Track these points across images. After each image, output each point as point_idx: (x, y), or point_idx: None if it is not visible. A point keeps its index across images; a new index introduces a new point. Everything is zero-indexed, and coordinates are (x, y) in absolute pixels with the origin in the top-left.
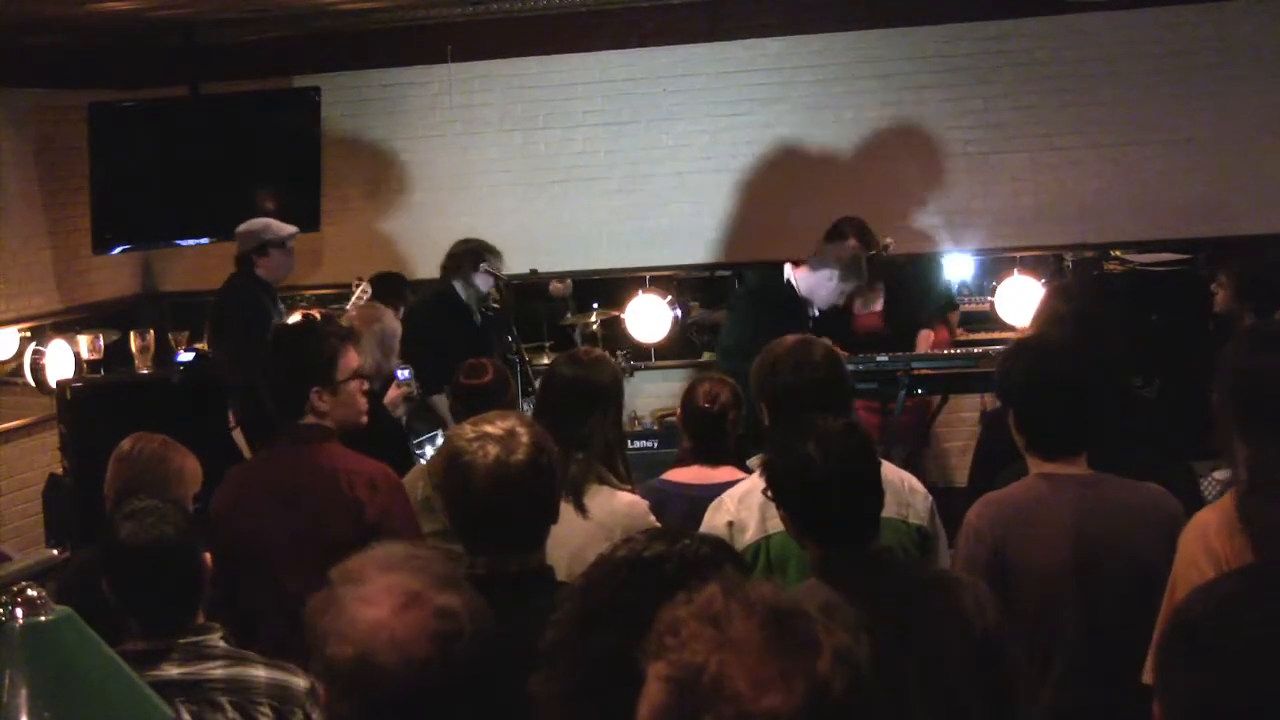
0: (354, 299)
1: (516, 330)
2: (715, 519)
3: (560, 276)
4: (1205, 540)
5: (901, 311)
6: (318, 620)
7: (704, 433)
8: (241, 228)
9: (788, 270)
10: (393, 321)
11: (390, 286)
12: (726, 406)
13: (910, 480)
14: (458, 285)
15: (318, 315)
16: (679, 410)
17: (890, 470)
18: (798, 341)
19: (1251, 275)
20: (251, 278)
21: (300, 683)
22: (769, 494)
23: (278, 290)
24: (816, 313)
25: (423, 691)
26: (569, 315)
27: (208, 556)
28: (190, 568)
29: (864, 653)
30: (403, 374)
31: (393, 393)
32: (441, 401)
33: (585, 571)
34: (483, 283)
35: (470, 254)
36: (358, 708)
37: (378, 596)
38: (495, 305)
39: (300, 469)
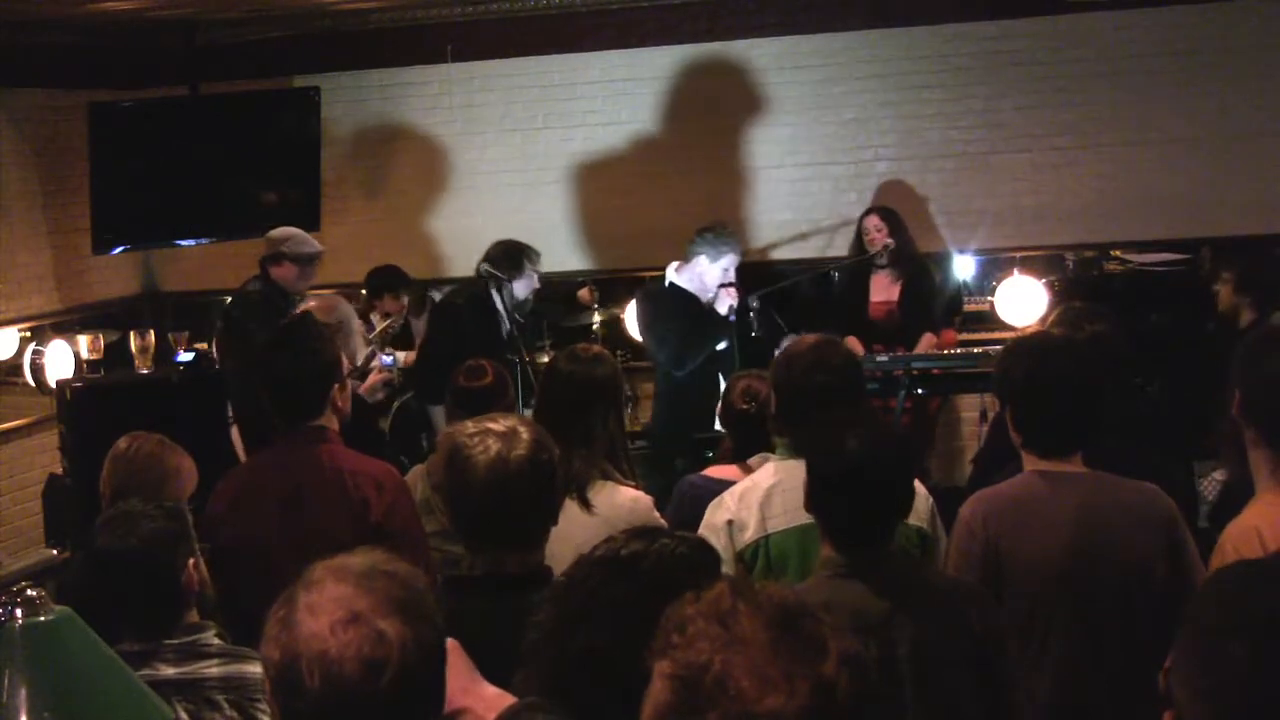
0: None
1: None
2: (715, 517)
3: (554, 278)
4: (1260, 545)
5: (915, 305)
6: (273, 613)
7: (742, 431)
8: (270, 233)
9: (668, 274)
10: (348, 310)
11: (387, 279)
12: (765, 403)
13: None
14: (494, 290)
15: (313, 310)
16: (719, 410)
17: None
18: (818, 342)
19: (1251, 271)
20: (266, 281)
21: None
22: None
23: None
24: (724, 307)
25: (342, 713)
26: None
27: (192, 563)
28: (163, 574)
29: (870, 656)
30: (386, 359)
31: (372, 378)
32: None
33: (566, 570)
34: (521, 289)
35: (508, 257)
36: (282, 711)
37: (323, 607)
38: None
39: (302, 469)
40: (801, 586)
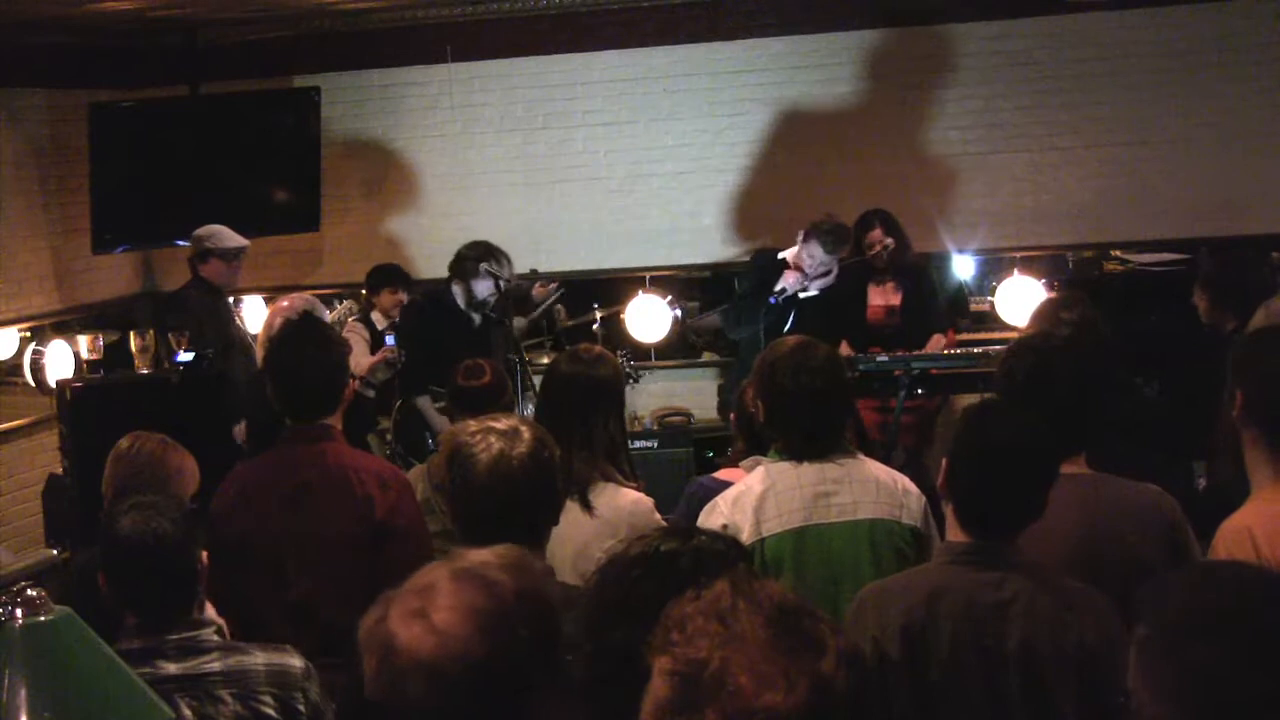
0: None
1: (514, 332)
2: (710, 522)
3: (554, 278)
4: (1252, 544)
5: (917, 308)
6: (371, 617)
7: (752, 434)
8: (195, 231)
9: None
10: (320, 309)
11: (386, 275)
12: None
13: (904, 481)
14: (455, 288)
15: (284, 310)
16: (733, 414)
17: (883, 471)
18: (798, 344)
19: (1224, 283)
20: (199, 282)
21: (297, 664)
22: (944, 480)
23: (227, 293)
24: (797, 286)
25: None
26: (562, 316)
27: (204, 555)
28: (186, 563)
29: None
30: (390, 339)
31: (375, 357)
32: (425, 403)
33: (599, 568)
34: (480, 288)
35: (471, 257)
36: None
37: (423, 611)
38: (492, 313)
39: (307, 467)
40: (917, 569)
